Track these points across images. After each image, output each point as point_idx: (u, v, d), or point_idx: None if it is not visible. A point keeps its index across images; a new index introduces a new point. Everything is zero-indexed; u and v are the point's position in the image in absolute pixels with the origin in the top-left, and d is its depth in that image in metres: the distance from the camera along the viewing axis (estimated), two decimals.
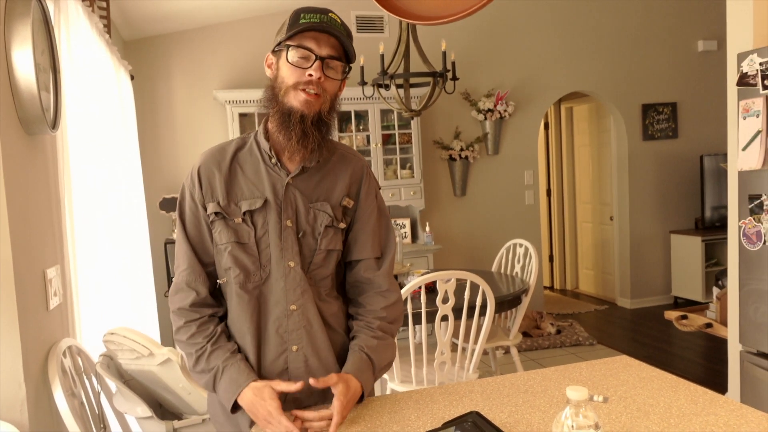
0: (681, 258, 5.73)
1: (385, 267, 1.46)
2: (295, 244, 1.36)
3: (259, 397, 1.26)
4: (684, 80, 5.81)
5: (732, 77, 2.80)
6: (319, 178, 1.40)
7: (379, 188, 1.52)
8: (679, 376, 1.42)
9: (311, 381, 1.26)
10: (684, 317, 3.35)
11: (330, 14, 1.32)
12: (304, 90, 1.30)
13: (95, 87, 2.54)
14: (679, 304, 5.76)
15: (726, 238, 3.07)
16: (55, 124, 1.77)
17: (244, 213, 1.35)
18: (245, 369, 1.33)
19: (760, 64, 2.43)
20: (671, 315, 3.42)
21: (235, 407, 1.32)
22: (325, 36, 1.30)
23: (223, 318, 1.42)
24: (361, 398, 1.35)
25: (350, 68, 1.38)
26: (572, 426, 0.86)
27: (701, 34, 5.80)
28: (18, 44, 1.54)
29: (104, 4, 3.11)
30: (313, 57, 1.29)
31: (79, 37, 2.26)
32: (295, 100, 1.31)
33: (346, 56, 1.35)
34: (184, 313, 1.38)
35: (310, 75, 1.29)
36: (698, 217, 5.78)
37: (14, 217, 1.52)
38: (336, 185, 1.41)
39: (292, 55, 1.30)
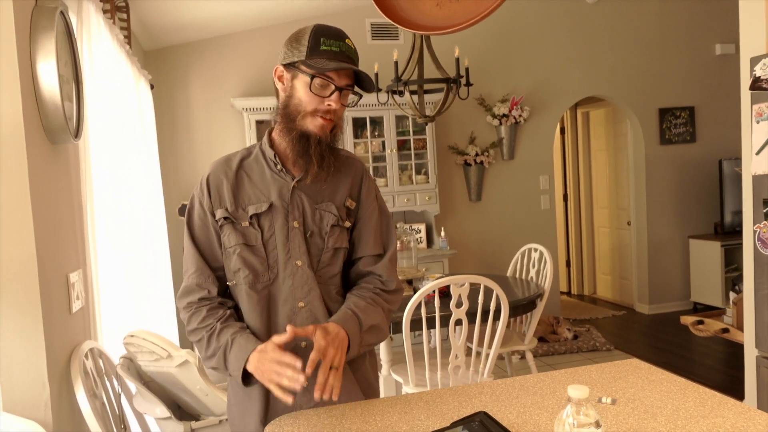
0: (700, 263, 5.67)
1: (385, 261, 1.51)
2: (303, 244, 1.42)
3: (262, 353, 1.30)
4: (701, 84, 5.77)
5: (745, 81, 2.79)
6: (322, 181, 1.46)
7: (378, 190, 1.58)
8: (697, 383, 1.43)
9: (288, 328, 1.30)
10: (700, 322, 3.32)
11: (347, 41, 1.38)
12: (322, 117, 1.37)
13: (116, 96, 2.61)
14: (699, 309, 5.70)
15: None
16: (77, 134, 1.83)
17: (251, 216, 1.41)
18: (253, 339, 1.37)
19: None
20: (687, 320, 3.39)
21: (246, 378, 1.35)
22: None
23: (233, 309, 1.47)
24: (348, 350, 1.37)
25: (361, 96, 1.45)
26: (573, 424, 0.89)
27: (719, 38, 5.76)
28: (43, 57, 1.60)
29: (125, 16, 3.19)
30: (333, 87, 1.35)
31: (100, 49, 2.33)
32: (312, 124, 1.38)
33: (358, 81, 1.41)
34: (194, 304, 1.44)
35: (329, 105, 1.36)
36: (717, 221, 5.72)
37: (39, 223, 1.58)
38: (339, 187, 1.48)
39: (315, 83, 1.35)
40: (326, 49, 1.34)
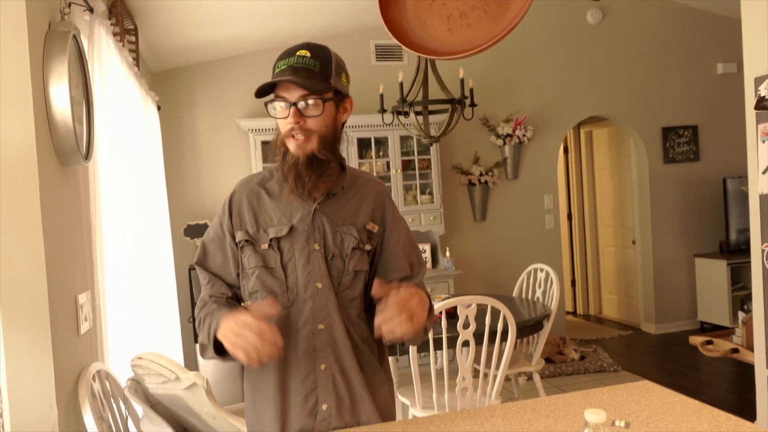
0: (706, 282, 5.64)
1: (416, 281, 1.51)
2: (323, 266, 1.42)
3: (236, 316, 1.27)
4: (704, 103, 5.79)
5: (750, 101, 2.80)
6: (343, 203, 1.47)
7: (399, 213, 1.58)
8: (706, 404, 1.41)
9: (376, 283, 1.28)
10: (709, 342, 3.30)
11: (299, 52, 1.36)
12: (293, 137, 1.37)
13: (125, 118, 2.63)
14: (706, 329, 5.65)
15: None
16: (88, 155, 1.84)
17: (271, 240, 1.42)
18: (237, 307, 1.38)
19: None
20: (696, 340, 3.37)
21: (220, 350, 1.32)
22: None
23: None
24: (431, 310, 1.39)
25: (338, 92, 1.39)
26: None
27: (721, 57, 5.79)
28: (55, 80, 1.62)
29: (133, 39, 3.23)
30: (288, 105, 1.35)
31: (110, 71, 2.35)
32: (291, 145, 1.38)
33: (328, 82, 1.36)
34: (205, 299, 1.46)
35: (289, 124, 1.35)
36: (723, 240, 5.70)
37: (49, 244, 1.58)
38: (360, 210, 1.48)
39: (272, 108, 1.38)
40: (277, 71, 1.35)
